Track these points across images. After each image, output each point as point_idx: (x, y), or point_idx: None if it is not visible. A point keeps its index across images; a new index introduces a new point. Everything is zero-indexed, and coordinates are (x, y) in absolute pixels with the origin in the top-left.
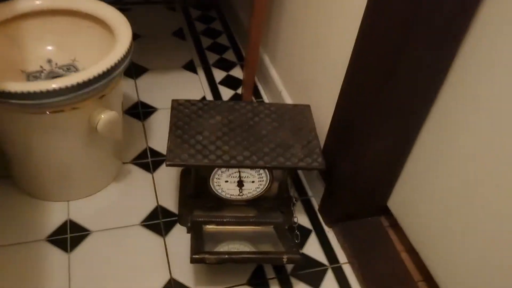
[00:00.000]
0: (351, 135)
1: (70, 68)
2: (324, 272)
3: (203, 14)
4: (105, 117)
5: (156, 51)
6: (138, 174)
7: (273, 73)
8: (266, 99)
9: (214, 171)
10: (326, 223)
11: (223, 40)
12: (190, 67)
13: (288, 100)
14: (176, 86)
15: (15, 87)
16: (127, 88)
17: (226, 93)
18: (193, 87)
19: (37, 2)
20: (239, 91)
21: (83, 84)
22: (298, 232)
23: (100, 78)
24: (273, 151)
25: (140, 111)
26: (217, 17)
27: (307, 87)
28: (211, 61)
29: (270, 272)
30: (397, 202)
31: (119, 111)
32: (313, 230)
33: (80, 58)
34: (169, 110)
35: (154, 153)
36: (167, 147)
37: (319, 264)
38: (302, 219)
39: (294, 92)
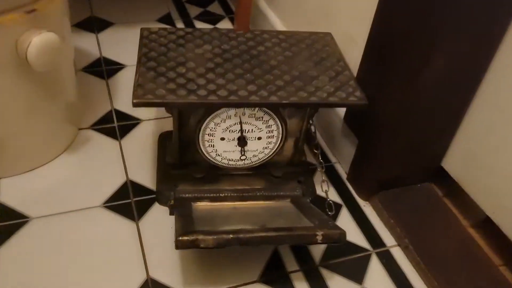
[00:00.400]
0: (398, 53)
1: None
2: (367, 259)
3: None
4: (37, 39)
5: (123, 4)
6: (100, 141)
7: (274, 20)
8: None
9: (204, 122)
10: (360, 195)
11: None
12: (166, 20)
13: None
14: None
15: None
16: (85, 43)
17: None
18: None
19: None
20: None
21: None
22: (331, 201)
23: None
24: (289, 85)
25: (103, 69)
26: None
27: (322, 20)
28: (193, 15)
29: (291, 263)
30: (457, 159)
31: (62, 33)
32: (343, 205)
33: None
34: None
35: (122, 116)
36: (134, 82)
37: (359, 249)
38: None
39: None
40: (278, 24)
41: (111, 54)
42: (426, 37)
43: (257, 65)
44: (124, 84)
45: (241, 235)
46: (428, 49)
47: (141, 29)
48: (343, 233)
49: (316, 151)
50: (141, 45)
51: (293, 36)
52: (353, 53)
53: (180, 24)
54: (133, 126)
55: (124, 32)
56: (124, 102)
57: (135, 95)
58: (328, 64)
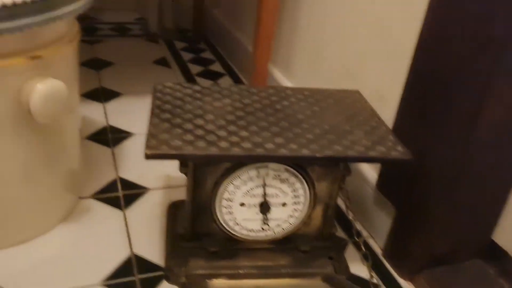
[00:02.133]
0: (444, 105)
1: None
2: None
3: (190, 46)
4: (42, 87)
5: (132, 77)
6: (102, 211)
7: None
8: None
9: (222, 184)
10: (402, 274)
11: (216, 67)
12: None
13: None
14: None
15: None
16: (92, 112)
17: None
18: None
19: None
20: None
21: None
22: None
23: (25, 9)
24: (321, 138)
25: (109, 137)
26: (208, 48)
27: (348, 79)
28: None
29: None
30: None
31: (68, 80)
32: (381, 285)
33: None
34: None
35: (127, 184)
36: (147, 132)
37: None
38: (356, 268)
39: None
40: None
41: (117, 123)
42: (478, 83)
43: (283, 118)
44: (130, 152)
45: None
46: (481, 96)
47: (154, 84)
48: None
49: (357, 238)
50: (154, 98)
51: (319, 92)
52: (384, 111)
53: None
54: (139, 195)
55: (131, 102)
56: (130, 171)
57: (148, 146)
58: (361, 119)
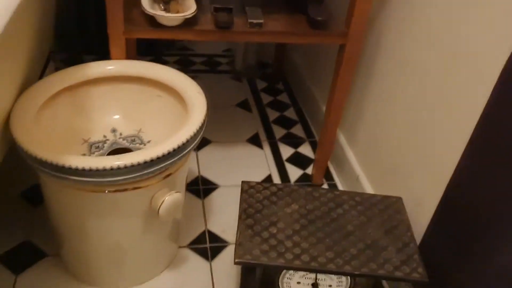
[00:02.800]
0: (470, 238)
1: (135, 139)
2: None
3: (270, 87)
4: (169, 199)
5: (220, 122)
6: (194, 261)
7: (350, 155)
8: (338, 182)
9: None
10: None
11: (290, 114)
12: (255, 141)
13: (368, 187)
14: (240, 162)
15: (73, 162)
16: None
17: (293, 172)
18: (258, 163)
19: (108, 68)
20: (309, 171)
21: (149, 162)
22: None
23: (169, 157)
24: (362, 254)
25: (200, 188)
26: (284, 90)
27: (396, 174)
28: (277, 136)
29: None
30: None
31: (183, 191)
32: None
33: (146, 129)
34: (232, 188)
35: (213, 237)
36: (236, 239)
37: None
38: None
39: (376, 178)
40: (354, 161)
41: (208, 173)
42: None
43: (336, 229)
44: (217, 206)
45: None
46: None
47: (242, 182)
48: None
49: None
50: (242, 200)
51: (368, 199)
52: (422, 218)
53: (266, 147)
54: (221, 248)
55: (220, 152)
56: (216, 224)
57: (237, 254)
58: (397, 233)
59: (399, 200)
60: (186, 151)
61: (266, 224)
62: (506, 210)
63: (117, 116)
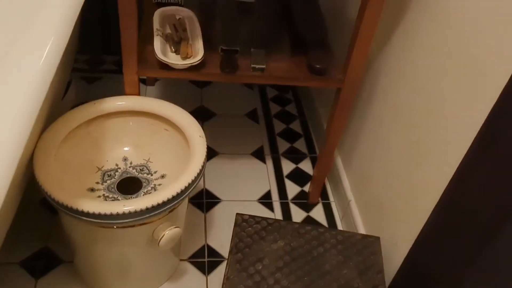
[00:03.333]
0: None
1: (143, 169)
2: None
3: (280, 96)
4: (169, 234)
5: (227, 133)
6: (193, 274)
7: (344, 178)
8: (333, 203)
9: None
10: None
11: (296, 126)
12: (259, 154)
13: (357, 215)
14: (243, 176)
15: (86, 206)
16: None
17: (292, 189)
18: (260, 178)
19: (119, 103)
20: (306, 188)
21: (156, 206)
22: None
23: (174, 199)
24: None
25: (204, 201)
26: (293, 100)
27: (382, 208)
28: (281, 150)
29: None
30: None
31: (182, 222)
32: None
33: (154, 159)
34: (233, 204)
35: (212, 252)
36: (224, 274)
37: None
38: None
39: (365, 207)
40: (347, 186)
41: (212, 187)
42: (463, 280)
43: (315, 267)
44: (218, 220)
45: None
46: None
47: (236, 215)
48: None
49: None
50: (234, 234)
51: (348, 239)
52: (396, 257)
53: (269, 161)
54: (218, 263)
55: (225, 165)
56: (215, 238)
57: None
58: (370, 275)
59: (377, 240)
60: (187, 193)
61: (253, 259)
62: (467, 271)
63: (127, 148)
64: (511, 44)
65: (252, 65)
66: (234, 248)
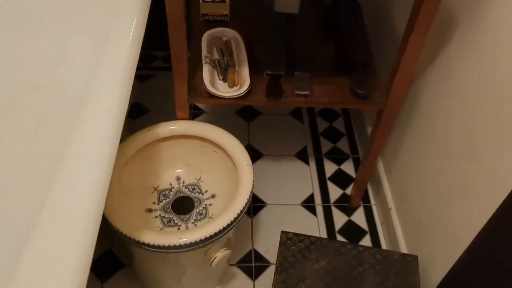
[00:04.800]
0: None
1: (195, 188)
2: None
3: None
4: (220, 256)
5: (272, 132)
6: (241, 280)
7: (386, 185)
8: (374, 208)
9: None
10: None
11: (339, 124)
12: (302, 155)
13: (396, 223)
14: (287, 178)
15: (146, 238)
16: None
17: (334, 192)
18: (303, 181)
19: (172, 127)
20: (348, 191)
21: (209, 237)
22: None
23: (224, 230)
24: None
25: (251, 206)
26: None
27: (421, 224)
28: (324, 150)
29: None
30: None
31: (232, 241)
32: None
33: (204, 178)
34: (278, 207)
35: (258, 257)
36: None
37: None
38: None
39: (405, 218)
40: (388, 192)
41: (258, 190)
42: None
43: None
44: (264, 225)
45: None
46: None
47: (281, 233)
48: None
49: None
50: (279, 253)
51: (387, 258)
52: (434, 276)
53: (312, 162)
54: (265, 267)
55: (270, 167)
56: (262, 243)
57: None
58: None
59: (414, 260)
60: (236, 222)
61: (296, 279)
62: None
63: (180, 170)
64: None
65: (296, 92)
66: (279, 267)
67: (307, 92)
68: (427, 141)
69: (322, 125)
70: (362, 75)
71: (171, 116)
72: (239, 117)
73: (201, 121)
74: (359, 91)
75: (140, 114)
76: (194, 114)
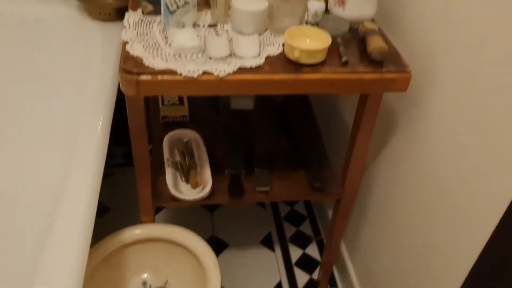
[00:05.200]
0: None
1: None
2: None
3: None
4: None
5: (237, 220)
6: None
7: (350, 268)
8: None
9: None
10: None
11: (300, 207)
12: (267, 242)
13: None
14: (254, 267)
15: None
16: None
17: (301, 278)
18: (270, 268)
19: (137, 232)
20: (315, 275)
21: None
22: None
23: None
24: None
25: None
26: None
27: None
28: (288, 234)
29: None
30: None
31: None
32: None
33: (172, 281)
34: None
35: None
36: None
37: None
38: None
39: None
40: (354, 276)
41: (226, 284)
42: None
43: None
44: None
45: None
46: None
47: None
48: None
49: None
50: None
51: None
52: None
53: (277, 248)
54: None
55: (236, 258)
56: None
57: None
58: None
59: None
60: None
61: None
62: None
63: (146, 275)
64: None
65: (257, 189)
66: None
67: (267, 189)
68: (385, 223)
69: (284, 209)
70: (318, 169)
71: (132, 214)
72: (203, 208)
73: (165, 213)
74: (316, 184)
75: (100, 213)
76: (157, 207)
